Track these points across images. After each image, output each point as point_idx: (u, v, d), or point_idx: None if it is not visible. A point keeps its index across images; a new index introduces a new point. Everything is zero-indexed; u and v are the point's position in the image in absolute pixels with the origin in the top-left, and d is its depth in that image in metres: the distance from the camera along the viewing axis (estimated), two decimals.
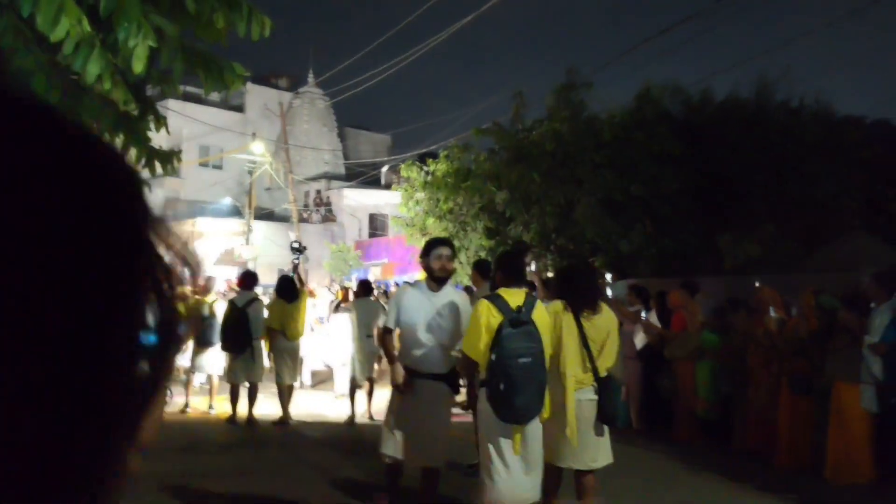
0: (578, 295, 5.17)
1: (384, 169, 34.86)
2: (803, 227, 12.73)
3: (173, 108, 27.68)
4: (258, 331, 9.74)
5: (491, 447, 4.69)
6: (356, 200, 33.49)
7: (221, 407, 10.32)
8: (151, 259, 0.41)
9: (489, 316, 4.67)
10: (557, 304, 5.18)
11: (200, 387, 11.55)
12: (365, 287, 10.65)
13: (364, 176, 34.72)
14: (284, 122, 28.85)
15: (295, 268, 12.97)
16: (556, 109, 14.18)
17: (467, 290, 10.60)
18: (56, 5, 3.52)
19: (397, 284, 14.01)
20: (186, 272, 0.44)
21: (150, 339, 0.41)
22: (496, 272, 5.13)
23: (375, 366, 10.27)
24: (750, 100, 14.66)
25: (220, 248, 30.28)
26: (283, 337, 9.75)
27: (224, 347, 9.85)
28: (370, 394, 10.24)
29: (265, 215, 33.11)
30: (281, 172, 29.26)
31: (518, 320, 4.66)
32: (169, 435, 8.94)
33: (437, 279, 5.29)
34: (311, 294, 13.42)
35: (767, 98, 14.64)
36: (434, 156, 16.40)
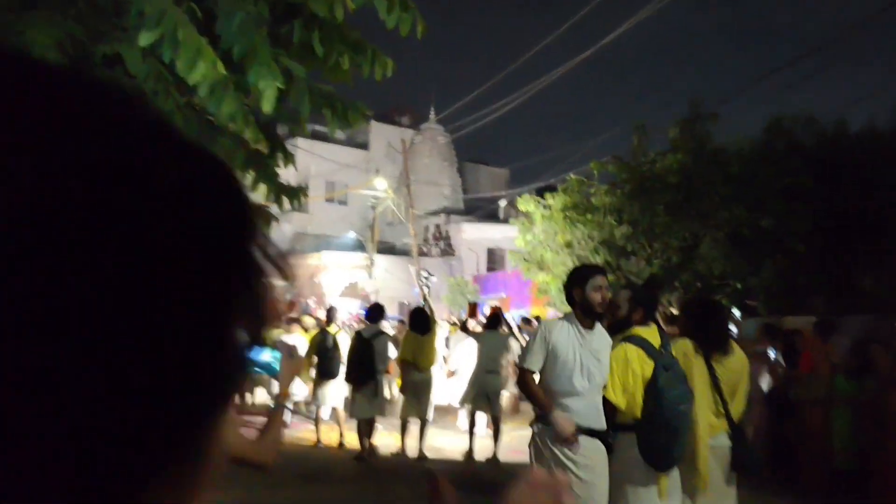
0: (710, 335, 4.78)
1: (502, 203, 35.02)
2: None
3: (302, 147, 28.90)
4: (383, 364, 9.68)
5: (636, 496, 4.41)
6: (474, 234, 33.76)
7: (351, 439, 10.22)
8: (249, 265, 0.40)
9: (641, 362, 4.35)
10: (687, 344, 4.77)
11: (327, 420, 11.39)
12: (494, 319, 10.33)
13: (482, 210, 34.99)
14: (406, 159, 29.53)
15: (424, 296, 13.03)
16: (680, 141, 13.86)
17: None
18: (194, 50, 3.76)
19: (529, 320, 13.44)
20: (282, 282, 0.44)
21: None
22: (634, 308, 4.64)
23: (504, 403, 9.99)
24: (888, 132, 13.85)
25: (344, 281, 31.15)
26: (416, 369, 9.66)
27: (348, 379, 9.76)
28: (496, 434, 9.70)
29: (387, 249, 33.88)
30: (402, 207, 29.90)
31: (669, 364, 4.38)
32: (292, 462, 9.18)
33: (594, 315, 4.49)
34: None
35: None
36: (553, 189, 16.34)
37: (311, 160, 31.48)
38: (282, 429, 2.46)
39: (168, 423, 0.36)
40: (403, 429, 9.70)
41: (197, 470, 0.40)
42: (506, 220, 26.54)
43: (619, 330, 4.61)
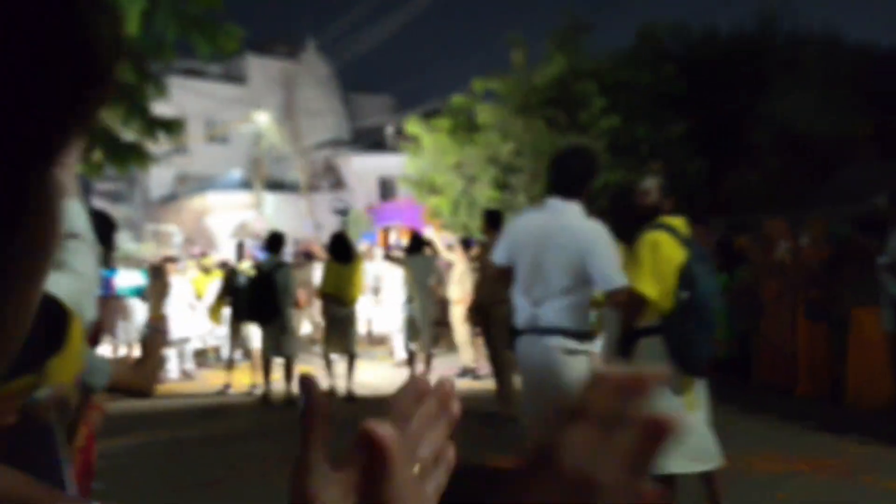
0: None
1: (389, 131, 34.74)
2: (812, 161, 12.62)
3: (175, 85, 27.61)
4: (287, 298, 8.75)
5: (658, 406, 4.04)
6: (364, 165, 33.42)
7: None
8: None
9: (672, 247, 3.90)
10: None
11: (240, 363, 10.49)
12: (415, 241, 9.43)
13: (370, 139, 34.61)
14: (289, 91, 28.74)
15: (344, 224, 12.18)
16: (556, 55, 14.04)
17: (466, 243, 10.29)
18: None
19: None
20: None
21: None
22: (664, 196, 4.18)
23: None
24: (753, 34, 14.46)
25: (233, 222, 30.41)
26: (338, 303, 8.78)
27: (250, 317, 8.92)
28: (428, 361, 9.22)
29: (275, 185, 33.13)
30: (287, 142, 29.25)
31: (702, 255, 4.01)
32: (197, 405, 9.09)
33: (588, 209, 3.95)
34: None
35: (772, 31, 14.43)
36: (438, 111, 16.30)
37: (186, 99, 30.13)
38: (159, 353, 2.42)
39: None
40: (328, 365, 8.93)
41: (18, 233, 0.34)
42: (394, 149, 26.42)
43: (645, 219, 4.12)
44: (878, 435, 5.91)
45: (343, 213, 12.93)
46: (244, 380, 9.79)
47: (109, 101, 0.36)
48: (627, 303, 3.95)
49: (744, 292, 8.43)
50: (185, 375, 10.82)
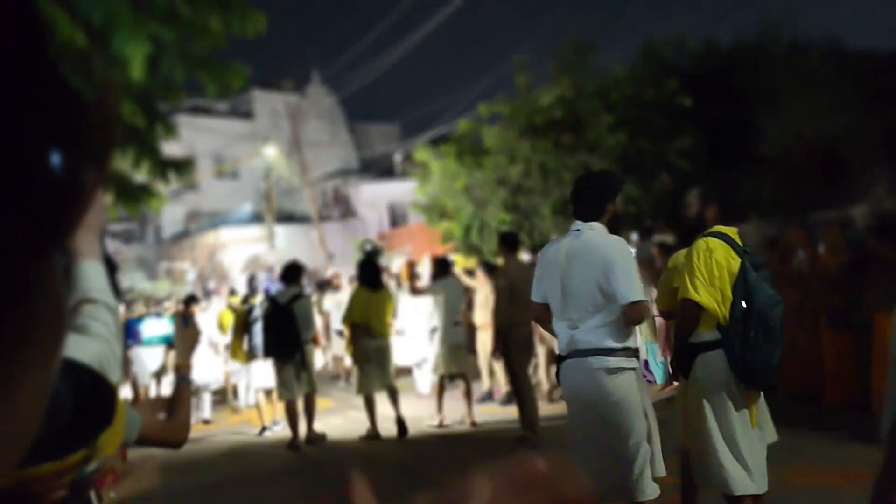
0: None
1: (397, 159, 34.91)
2: (823, 165, 12.57)
3: (183, 123, 27.87)
4: (308, 332, 8.28)
5: (722, 425, 3.76)
6: (373, 193, 33.57)
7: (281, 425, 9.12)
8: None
9: (727, 254, 3.72)
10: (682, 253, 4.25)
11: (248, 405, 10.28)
12: (443, 265, 8.81)
13: (378, 167, 34.81)
14: (294, 124, 28.96)
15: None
16: (560, 75, 14.10)
17: (489, 266, 10.12)
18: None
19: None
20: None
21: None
22: (705, 205, 4.09)
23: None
24: (755, 44, 14.52)
25: (246, 256, 30.53)
26: (369, 334, 8.09)
27: (268, 354, 8.28)
28: (468, 394, 8.45)
29: (286, 218, 33.30)
30: (296, 174, 29.45)
31: (759, 262, 3.79)
32: (216, 445, 9.03)
33: (617, 230, 3.95)
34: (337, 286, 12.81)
35: (773, 39, 14.48)
36: (446, 138, 16.38)
37: (195, 136, 30.44)
38: (189, 401, 2.40)
39: None
40: (370, 406, 8.13)
41: (24, 317, 0.33)
42: (403, 175, 26.51)
43: (693, 232, 4.00)
44: None
45: (374, 254, 12.68)
46: (265, 417, 9.55)
47: (106, 184, 0.36)
48: (681, 313, 3.87)
49: None
50: (204, 423, 10.28)
